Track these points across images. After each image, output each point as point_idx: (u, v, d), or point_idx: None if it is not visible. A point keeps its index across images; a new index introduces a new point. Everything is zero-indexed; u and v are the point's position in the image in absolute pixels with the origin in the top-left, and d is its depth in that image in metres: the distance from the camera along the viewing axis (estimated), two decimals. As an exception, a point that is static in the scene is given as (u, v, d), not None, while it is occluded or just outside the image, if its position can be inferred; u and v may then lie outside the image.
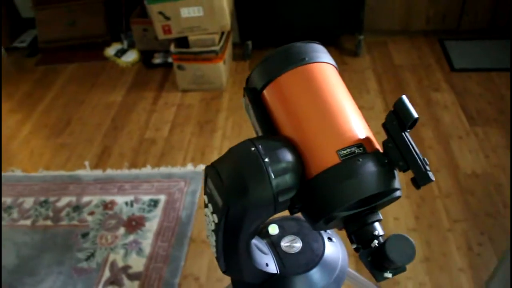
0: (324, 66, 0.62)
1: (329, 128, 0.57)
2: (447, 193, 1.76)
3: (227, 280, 1.53)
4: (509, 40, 2.65)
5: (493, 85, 2.34)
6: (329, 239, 0.76)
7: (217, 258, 0.64)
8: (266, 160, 0.54)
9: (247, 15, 2.64)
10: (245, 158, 0.54)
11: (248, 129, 2.21)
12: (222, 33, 2.46)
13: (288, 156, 0.55)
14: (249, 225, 0.57)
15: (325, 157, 0.55)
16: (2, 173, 2.09)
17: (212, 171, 0.57)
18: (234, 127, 2.24)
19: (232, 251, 0.61)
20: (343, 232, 0.93)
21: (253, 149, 0.55)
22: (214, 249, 0.63)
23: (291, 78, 0.60)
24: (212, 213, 0.59)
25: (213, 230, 0.60)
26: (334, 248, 0.75)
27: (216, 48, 2.37)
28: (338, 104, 0.59)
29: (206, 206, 0.61)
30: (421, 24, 2.80)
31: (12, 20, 3.29)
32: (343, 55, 2.69)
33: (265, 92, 0.62)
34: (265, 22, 2.67)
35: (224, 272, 0.66)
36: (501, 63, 2.49)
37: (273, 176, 0.53)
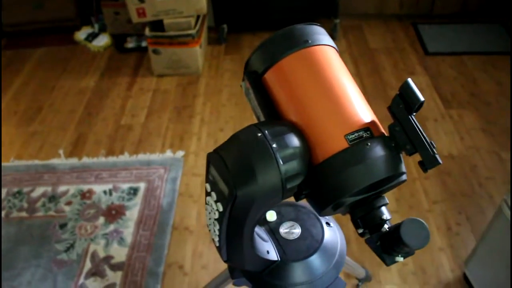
0: (327, 48, 0.61)
1: (336, 112, 0.56)
2: (425, 175, 1.79)
3: (212, 267, 1.52)
4: (482, 24, 2.70)
5: (466, 68, 2.39)
6: (327, 224, 0.76)
7: (219, 248, 0.62)
8: (274, 145, 0.52)
9: (221, -3, 2.60)
10: (252, 144, 0.53)
11: (226, 114, 2.18)
12: (198, 17, 2.41)
13: (295, 141, 0.53)
14: (255, 213, 0.56)
15: (333, 142, 0.54)
16: (-29, 164, 2.00)
17: (216, 158, 0.55)
18: (212, 112, 2.20)
19: (235, 240, 0.60)
20: (339, 217, 0.93)
21: (259, 134, 0.53)
22: (216, 238, 0.61)
23: (294, 61, 0.59)
24: (216, 201, 0.57)
25: (216, 219, 0.59)
26: (333, 233, 0.75)
27: (192, 31, 2.32)
28: (342, 87, 0.58)
29: (208, 194, 0.59)
30: (395, 8, 2.82)
31: (-27, 3, 3.12)
32: (319, 39, 2.68)
33: (266, 76, 0.61)
34: (240, 5, 2.63)
35: (225, 261, 0.65)
36: (472, 47, 2.54)
37: (281, 162, 0.52)
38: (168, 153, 1.97)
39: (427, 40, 2.63)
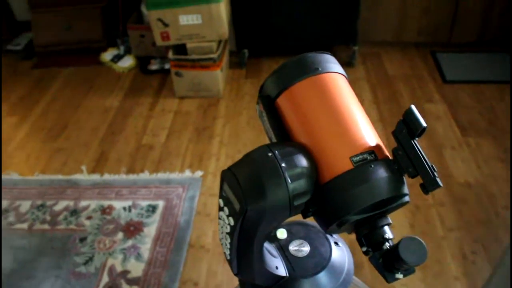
0: (336, 76, 0.65)
1: (342, 135, 0.59)
2: (441, 201, 1.80)
3: (226, 286, 1.54)
4: (498, 54, 2.72)
5: (484, 96, 2.40)
6: (336, 243, 0.78)
7: (230, 261, 0.65)
8: (283, 165, 0.56)
9: (244, 23, 2.68)
10: (263, 163, 0.56)
11: (245, 136, 2.23)
12: (220, 41, 2.49)
13: (303, 162, 0.57)
14: (264, 228, 0.59)
15: (339, 163, 0.57)
16: (-2, 177, 2.09)
17: (229, 175, 0.59)
18: (232, 134, 2.26)
19: (245, 253, 0.63)
20: (349, 237, 0.95)
21: (270, 154, 0.57)
22: (227, 252, 0.65)
23: (304, 87, 0.63)
24: (228, 216, 0.61)
25: (227, 233, 0.62)
26: (341, 252, 0.77)
27: (214, 55, 2.39)
28: (349, 112, 0.61)
29: (221, 209, 0.63)
30: (413, 36, 2.86)
31: (7, 23, 3.28)
32: (338, 65, 2.73)
33: (278, 100, 0.65)
34: (261, 31, 2.71)
35: (235, 274, 0.68)
36: (490, 76, 2.56)
37: (289, 181, 0.55)
38: (187, 173, 2.02)
39: (445, 68, 2.66)
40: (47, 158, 2.19)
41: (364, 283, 1.10)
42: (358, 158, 0.57)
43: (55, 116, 2.50)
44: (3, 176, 2.08)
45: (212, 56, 2.40)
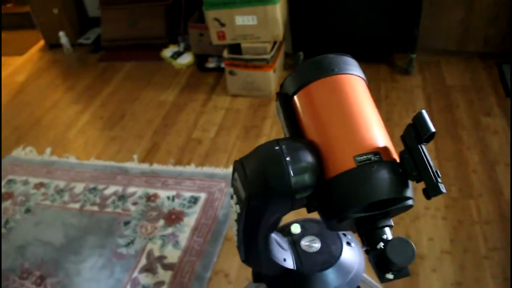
0: (352, 77, 0.66)
1: (349, 134, 0.61)
2: (487, 219, 1.72)
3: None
4: None
5: (549, 114, 2.26)
6: (348, 243, 0.79)
7: (238, 247, 0.69)
8: (288, 159, 0.58)
9: (300, 26, 2.70)
10: (269, 156, 0.59)
11: (291, 138, 2.25)
12: (275, 43, 2.53)
13: (308, 157, 0.59)
14: (267, 218, 0.62)
15: (343, 161, 0.59)
16: (58, 158, 2.25)
17: (239, 166, 0.62)
18: (278, 135, 2.29)
19: (251, 241, 0.66)
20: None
21: (277, 148, 0.60)
22: (235, 238, 0.68)
23: (320, 87, 0.65)
24: (236, 204, 0.64)
25: (235, 220, 0.66)
26: (352, 252, 0.78)
27: (267, 56, 2.44)
28: (361, 113, 0.63)
29: (231, 197, 0.66)
30: (478, 46, 2.75)
31: (80, 19, 3.52)
32: (394, 73, 2.68)
33: (295, 98, 0.67)
34: (318, 34, 2.71)
35: (243, 261, 0.71)
36: (560, 92, 2.40)
37: (292, 174, 0.58)
38: (232, 169, 2.06)
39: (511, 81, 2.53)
40: (103, 145, 2.33)
41: (380, 285, 1.09)
42: (362, 158, 0.58)
43: (114, 106, 2.66)
44: (62, 159, 2.25)
45: (265, 57, 2.44)
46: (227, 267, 1.63)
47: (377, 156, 0.59)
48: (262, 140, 2.25)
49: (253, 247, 0.67)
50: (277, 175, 0.58)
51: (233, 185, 0.65)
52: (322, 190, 0.59)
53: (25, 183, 2.11)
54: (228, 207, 1.85)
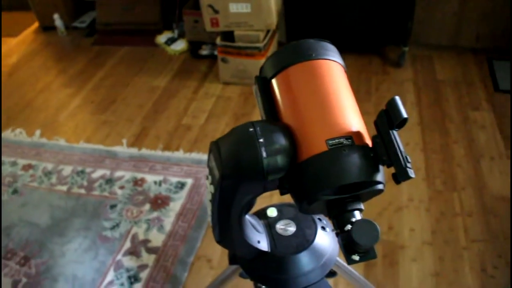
0: (329, 63, 0.67)
1: (323, 118, 0.61)
2: (469, 211, 1.75)
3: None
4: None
5: (537, 110, 2.28)
6: (323, 228, 0.80)
7: (213, 227, 0.70)
8: (261, 140, 0.59)
9: (294, 16, 2.70)
10: (243, 137, 0.60)
11: (281, 127, 2.26)
12: (268, 31, 2.52)
13: (281, 140, 0.60)
14: (240, 198, 0.63)
15: (315, 144, 0.60)
16: (48, 141, 2.25)
17: (214, 147, 0.63)
18: (260, 117, 2.29)
19: (225, 221, 0.67)
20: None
21: (251, 129, 0.61)
22: (209, 219, 0.69)
23: (296, 71, 0.66)
24: (210, 184, 0.65)
25: (209, 200, 0.67)
26: (326, 237, 0.79)
27: (260, 45, 2.43)
28: (336, 98, 0.63)
29: (206, 178, 0.67)
30: (471, 41, 2.76)
31: (75, 1, 3.49)
32: (386, 65, 2.69)
33: (273, 81, 0.68)
34: (312, 24, 2.71)
35: (218, 242, 0.72)
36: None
37: (264, 155, 0.59)
38: (219, 155, 2.07)
39: (500, 76, 2.54)
40: (93, 129, 2.33)
41: (357, 272, 1.11)
42: (334, 141, 0.59)
43: (105, 91, 2.65)
44: (52, 141, 2.24)
45: (258, 45, 2.44)
46: (210, 252, 1.64)
47: (349, 140, 0.60)
48: (252, 129, 2.26)
49: (227, 228, 0.68)
50: (249, 156, 0.59)
51: (208, 166, 0.66)
52: (294, 172, 0.60)
53: (13, 164, 2.11)
54: (215, 194, 1.86)
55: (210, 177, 0.65)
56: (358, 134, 0.61)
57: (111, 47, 3.11)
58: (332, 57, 0.68)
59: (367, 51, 2.80)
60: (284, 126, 0.63)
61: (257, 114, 2.36)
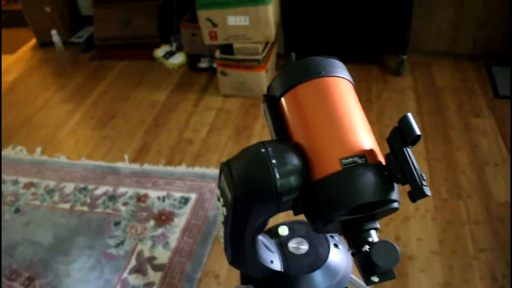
0: (338, 80, 0.66)
1: (335, 137, 0.61)
2: (476, 220, 1.74)
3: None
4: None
5: (538, 115, 2.28)
6: (336, 245, 0.79)
7: (225, 249, 0.69)
8: (274, 161, 0.58)
9: (293, 27, 2.70)
10: (255, 158, 0.59)
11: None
12: (267, 43, 2.53)
13: (294, 160, 0.59)
14: (253, 220, 0.62)
15: (328, 163, 0.59)
16: (49, 158, 2.24)
17: (225, 168, 0.62)
18: (270, 136, 2.28)
19: (238, 243, 0.66)
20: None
21: (263, 150, 0.60)
22: (222, 240, 0.68)
23: (306, 89, 0.65)
24: (223, 206, 0.64)
25: (222, 222, 0.66)
26: (339, 254, 0.78)
27: (259, 57, 2.44)
28: (347, 116, 0.63)
29: (218, 199, 0.66)
30: (468, 48, 2.77)
31: (73, 17, 3.50)
32: (385, 74, 2.70)
33: (282, 100, 0.67)
34: (310, 35, 2.72)
35: (230, 263, 0.71)
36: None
37: (278, 177, 0.58)
38: (222, 169, 2.06)
39: (499, 82, 2.55)
40: (93, 145, 2.32)
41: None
42: (347, 160, 0.58)
43: (105, 106, 2.64)
44: (53, 159, 2.23)
45: (257, 57, 2.44)
46: (217, 268, 1.62)
47: (363, 158, 0.59)
48: (253, 141, 2.25)
49: (240, 249, 0.67)
50: (262, 178, 0.58)
51: (219, 187, 0.65)
52: (308, 192, 0.60)
53: (15, 182, 2.09)
54: (219, 208, 1.84)
55: (222, 199, 0.64)
56: (371, 152, 0.60)
57: (109, 62, 3.11)
58: (341, 74, 0.67)
59: (366, 60, 2.80)
60: (295, 146, 0.62)
61: (258, 127, 2.36)
